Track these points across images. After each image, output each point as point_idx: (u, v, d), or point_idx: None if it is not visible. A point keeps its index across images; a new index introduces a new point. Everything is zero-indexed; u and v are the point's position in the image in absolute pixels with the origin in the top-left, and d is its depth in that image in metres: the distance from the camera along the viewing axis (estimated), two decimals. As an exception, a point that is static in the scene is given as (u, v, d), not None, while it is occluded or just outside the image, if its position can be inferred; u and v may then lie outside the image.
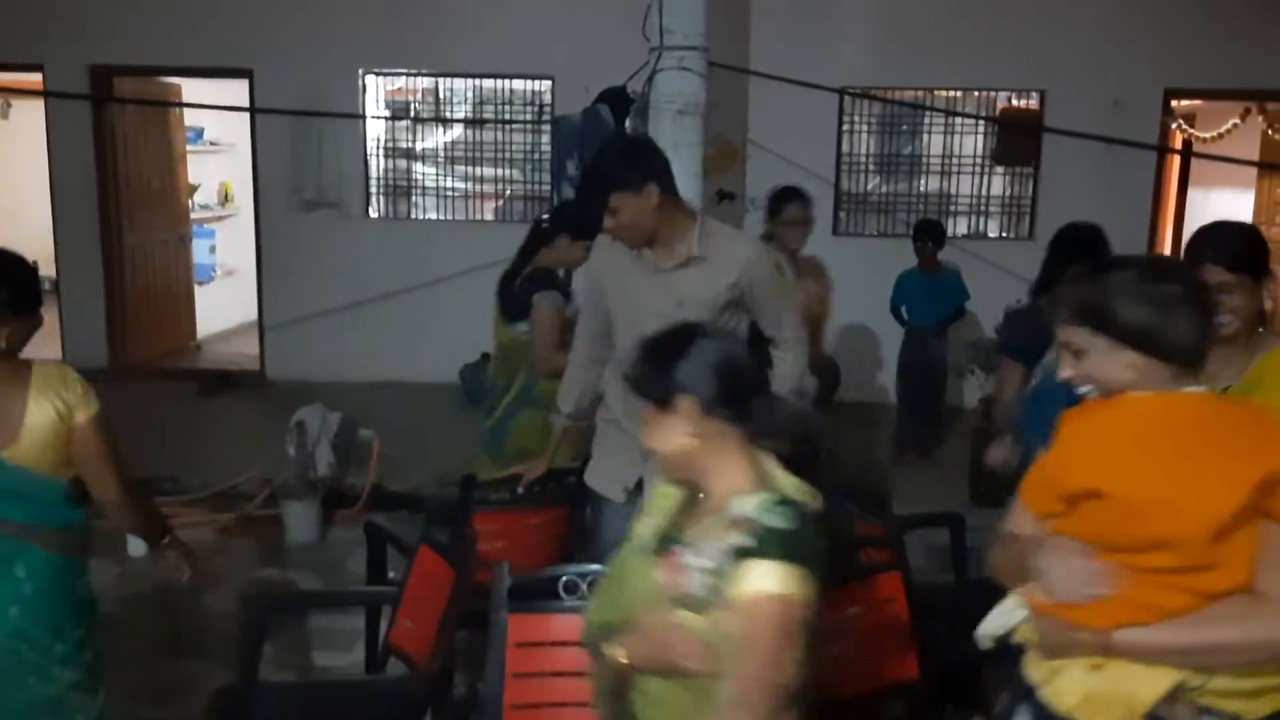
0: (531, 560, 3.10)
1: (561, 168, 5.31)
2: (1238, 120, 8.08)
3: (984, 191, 7.68)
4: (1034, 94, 7.54)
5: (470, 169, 7.88)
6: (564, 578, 2.31)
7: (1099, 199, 7.26)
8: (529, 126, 7.74)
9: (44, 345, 8.13)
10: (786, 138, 7.27)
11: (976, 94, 7.66)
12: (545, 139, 7.63)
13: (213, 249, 9.84)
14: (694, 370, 1.70)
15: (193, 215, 9.41)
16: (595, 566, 2.30)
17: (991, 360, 5.48)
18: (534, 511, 3.39)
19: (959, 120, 7.56)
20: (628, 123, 5.13)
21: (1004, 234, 7.67)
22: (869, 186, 7.74)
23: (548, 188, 7.56)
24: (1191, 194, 9.99)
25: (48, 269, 10.45)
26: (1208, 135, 8.25)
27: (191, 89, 8.66)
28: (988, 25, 7.27)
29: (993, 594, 1.79)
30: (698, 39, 5.11)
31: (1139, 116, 7.27)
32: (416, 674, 2.75)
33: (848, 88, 7.36)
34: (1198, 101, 8.41)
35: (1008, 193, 7.67)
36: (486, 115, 7.81)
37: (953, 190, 7.70)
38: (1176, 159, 8.81)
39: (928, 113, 7.62)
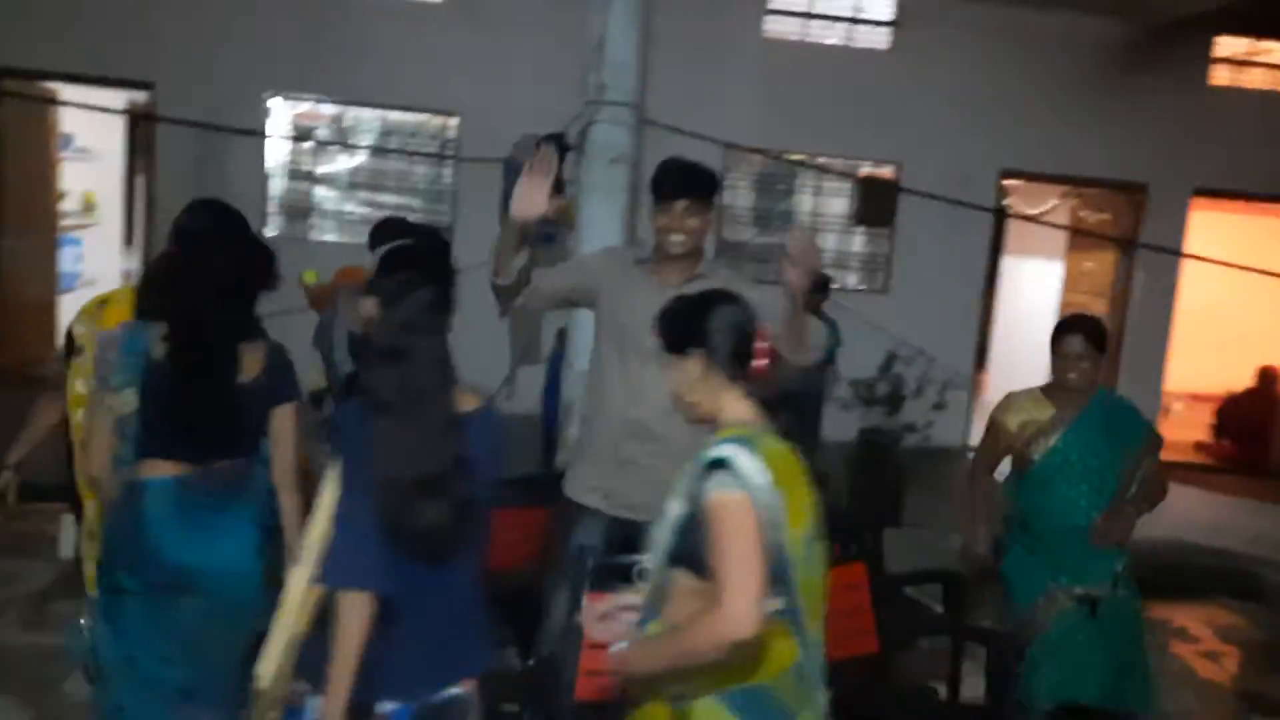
0: (506, 558, 3.44)
1: (508, 203, 5.71)
2: (1057, 200, 9.31)
3: (847, 248, 8.56)
4: (892, 165, 8.50)
5: (373, 195, 8.13)
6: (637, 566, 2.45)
7: (944, 259, 8.32)
8: (432, 158, 8.09)
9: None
10: (676, 187, 7.90)
11: (842, 162, 8.56)
12: (448, 171, 8.00)
13: (78, 257, 9.59)
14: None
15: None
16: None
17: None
18: (512, 510, 3.73)
19: (826, 183, 8.43)
20: (565, 165, 5.59)
21: (863, 287, 8.56)
22: (746, 237, 8.49)
23: (447, 218, 7.95)
24: (1010, 260, 11.30)
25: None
26: (1033, 211, 9.45)
27: (71, 96, 8.49)
28: (854, 104, 8.19)
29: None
30: (630, 95, 5.67)
31: (978, 191, 8.32)
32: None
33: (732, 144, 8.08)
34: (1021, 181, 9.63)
35: (867, 250, 8.58)
36: (390, 145, 8.09)
37: (819, 245, 8.54)
38: (1004, 231, 9.99)
39: (800, 175, 8.45)
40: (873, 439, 6.18)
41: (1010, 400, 3.46)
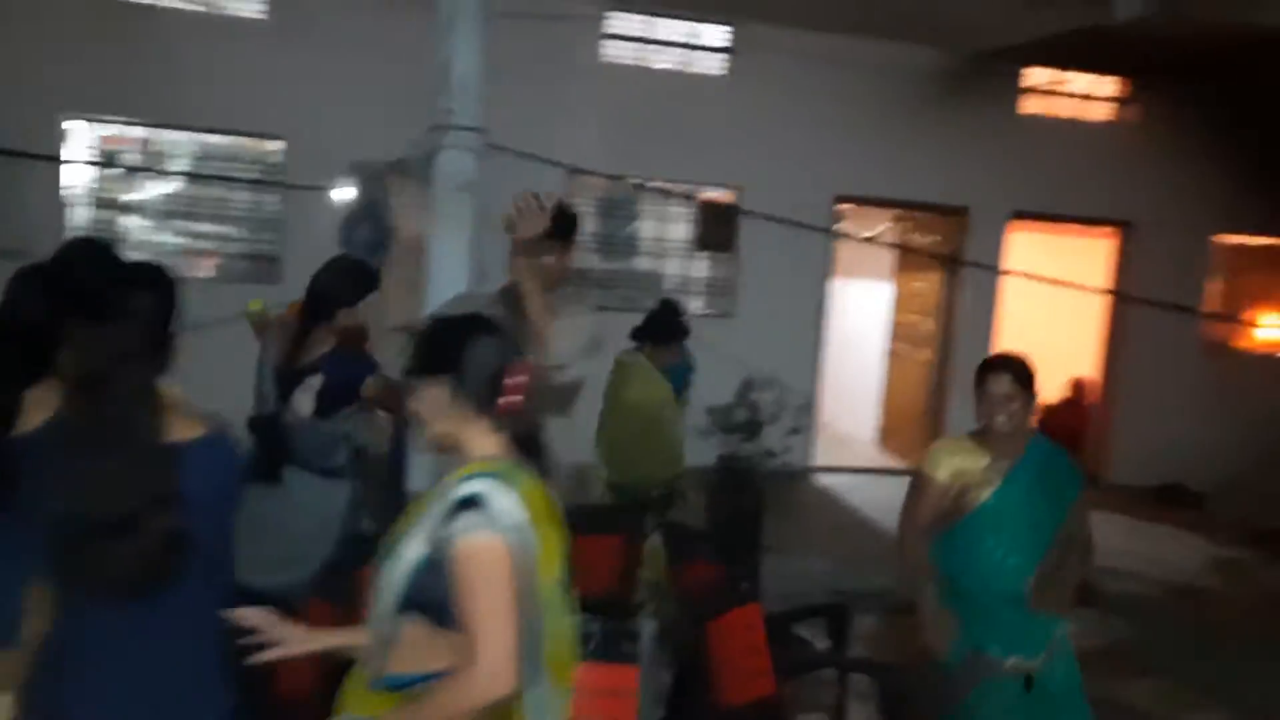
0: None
1: (351, 232, 5.38)
2: (888, 223, 9.62)
3: (691, 273, 8.57)
4: (731, 189, 8.57)
5: (189, 224, 7.55)
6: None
7: (786, 283, 8.44)
8: (255, 185, 7.59)
9: None
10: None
11: (683, 186, 8.57)
12: (273, 198, 7.52)
13: None
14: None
15: None
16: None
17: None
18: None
19: (670, 209, 8.42)
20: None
21: (709, 312, 8.58)
22: (590, 264, 8.36)
23: (274, 248, 7.48)
24: (841, 283, 11.61)
25: None
26: (865, 234, 9.74)
27: None
28: (692, 129, 8.23)
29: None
30: (476, 120, 5.45)
31: (814, 214, 8.47)
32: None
33: (577, 169, 7.95)
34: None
35: (711, 275, 8.61)
36: (208, 170, 7.55)
37: (663, 270, 8.53)
38: (842, 254, 10.25)
39: (642, 201, 8.40)
40: (731, 465, 6.15)
41: (937, 451, 3.17)
